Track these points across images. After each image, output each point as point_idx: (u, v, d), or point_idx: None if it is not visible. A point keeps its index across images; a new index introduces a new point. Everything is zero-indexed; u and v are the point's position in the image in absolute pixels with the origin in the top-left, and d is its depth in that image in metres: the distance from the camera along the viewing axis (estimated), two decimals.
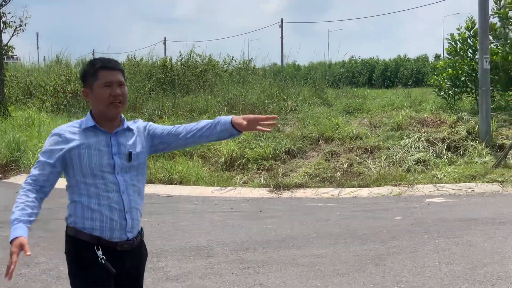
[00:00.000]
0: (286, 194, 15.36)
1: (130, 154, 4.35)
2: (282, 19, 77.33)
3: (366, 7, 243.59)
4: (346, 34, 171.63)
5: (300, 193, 15.37)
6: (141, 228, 4.51)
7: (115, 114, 4.35)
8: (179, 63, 31.37)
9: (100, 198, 4.23)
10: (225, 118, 4.42)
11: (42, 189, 4.27)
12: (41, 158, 4.31)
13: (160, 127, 4.55)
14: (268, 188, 15.80)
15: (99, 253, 4.19)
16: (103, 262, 4.18)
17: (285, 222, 11.96)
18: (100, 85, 4.28)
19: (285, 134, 19.29)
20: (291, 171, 17.01)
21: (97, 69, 4.31)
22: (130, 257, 4.37)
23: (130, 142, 4.39)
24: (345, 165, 16.78)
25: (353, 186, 15.59)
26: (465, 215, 12.12)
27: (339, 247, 9.81)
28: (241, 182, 16.51)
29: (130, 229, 4.34)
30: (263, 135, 18.76)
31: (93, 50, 62.16)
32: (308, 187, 15.78)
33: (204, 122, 4.48)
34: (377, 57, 76.97)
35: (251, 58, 33.61)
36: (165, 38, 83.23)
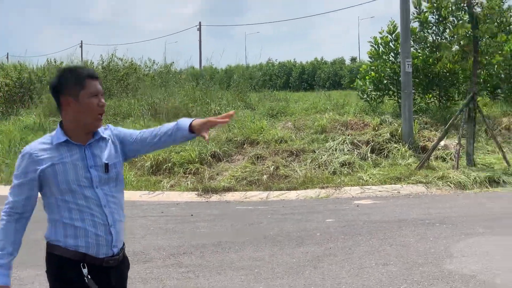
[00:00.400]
0: (214, 197, 15.34)
1: (106, 165, 4.20)
2: (200, 22, 77.63)
3: (281, 10, 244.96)
4: (263, 37, 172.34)
5: (229, 196, 15.37)
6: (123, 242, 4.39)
7: (99, 126, 4.22)
8: (100, 67, 31.00)
9: (83, 214, 4.08)
10: (184, 124, 4.31)
11: (22, 215, 4.14)
12: (15, 182, 4.13)
13: (128, 133, 4.42)
14: (196, 192, 15.76)
15: (85, 271, 4.07)
16: (87, 280, 4.06)
17: (218, 226, 11.96)
18: (89, 95, 4.10)
19: (210, 137, 19.29)
20: (217, 174, 17.00)
21: (84, 77, 4.12)
22: (115, 272, 4.26)
23: (106, 152, 4.25)
24: (271, 168, 16.84)
25: (281, 189, 15.66)
26: (394, 216, 12.30)
27: (275, 250, 9.87)
28: (169, 186, 16.43)
29: (116, 243, 4.21)
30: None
31: (7, 53, 61.05)
32: (236, 190, 15.79)
33: (166, 127, 4.38)
34: (294, 60, 77.50)
35: (173, 62, 33.51)
36: (81, 41, 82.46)
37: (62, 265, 4.10)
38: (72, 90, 4.11)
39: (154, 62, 33.53)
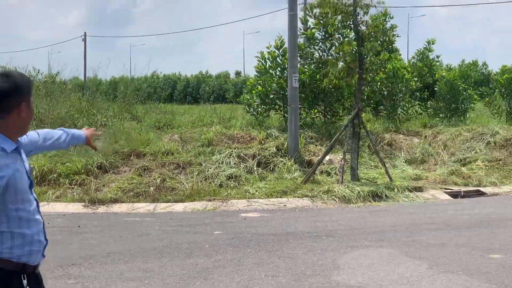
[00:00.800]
0: (101, 209, 15.17)
1: (31, 170, 4.15)
2: (85, 33, 76.45)
3: (167, 23, 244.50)
4: (149, 50, 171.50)
5: (116, 208, 15.22)
6: None
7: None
8: None
9: (30, 222, 3.92)
10: (80, 134, 4.86)
11: None
12: None
13: None
14: (82, 203, 15.52)
15: (25, 282, 3.92)
16: None
17: (106, 237, 11.84)
18: (33, 101, 4.01)
19: (99, 149, 19.04)
20: (103, 186, 16.81)
21: (32, 84, 4.00)
22: (39, 276, 4.18)
23: (25, 157, 4.17)
24: (158, 180, 16.78)
25: (168, 201, 15.62)
26: (282, 229, 12.45)
27: (165, 261, 9.86)
28: (54, 197, 16.12)
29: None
30: (74, 149, 18.47)
31: None
32: (123, 202, 15.65)
33: (56, 133, 4.68)
34: (179, 72, 77.59)
35: (58, 72, 32.92)
36: None
37: (3, 279, 3.91)
38: (27, 95, 3.95)
39: (38, 72, 32.84)
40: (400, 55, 26.45)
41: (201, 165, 17.83)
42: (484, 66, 61.90)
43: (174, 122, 22.98)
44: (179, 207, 15.21)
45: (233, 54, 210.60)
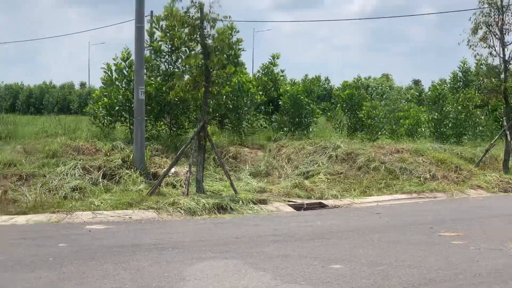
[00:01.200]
0: None
1: None
2: None
3: (7, 30, 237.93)
4: None
5: None
6: None
7: None
8: None
9: None
10: None
11: None
12: None
13: None
14: None
15: None
16: None
17: None
18: None
19: None
20: None
21: None
22: None
23: None
24: (0, 192, 16.40)
25: (9, 214, 15.26)
26: (127, 241, 12.39)
27: (7, 276, 9.62)
28: None
29: None
30: None
31: None
32: None
33: None
34: (21, 82, 75.90)
35: None
36: None
37: None
38: None
39: None
40: (245, 69, 26.81)
41: (45, 176, 17.55)
42: (327, 81, 63.75)
43: (17, 133, 22.46)
44: (21, 219, 14.85)
45: (78, 65, 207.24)
